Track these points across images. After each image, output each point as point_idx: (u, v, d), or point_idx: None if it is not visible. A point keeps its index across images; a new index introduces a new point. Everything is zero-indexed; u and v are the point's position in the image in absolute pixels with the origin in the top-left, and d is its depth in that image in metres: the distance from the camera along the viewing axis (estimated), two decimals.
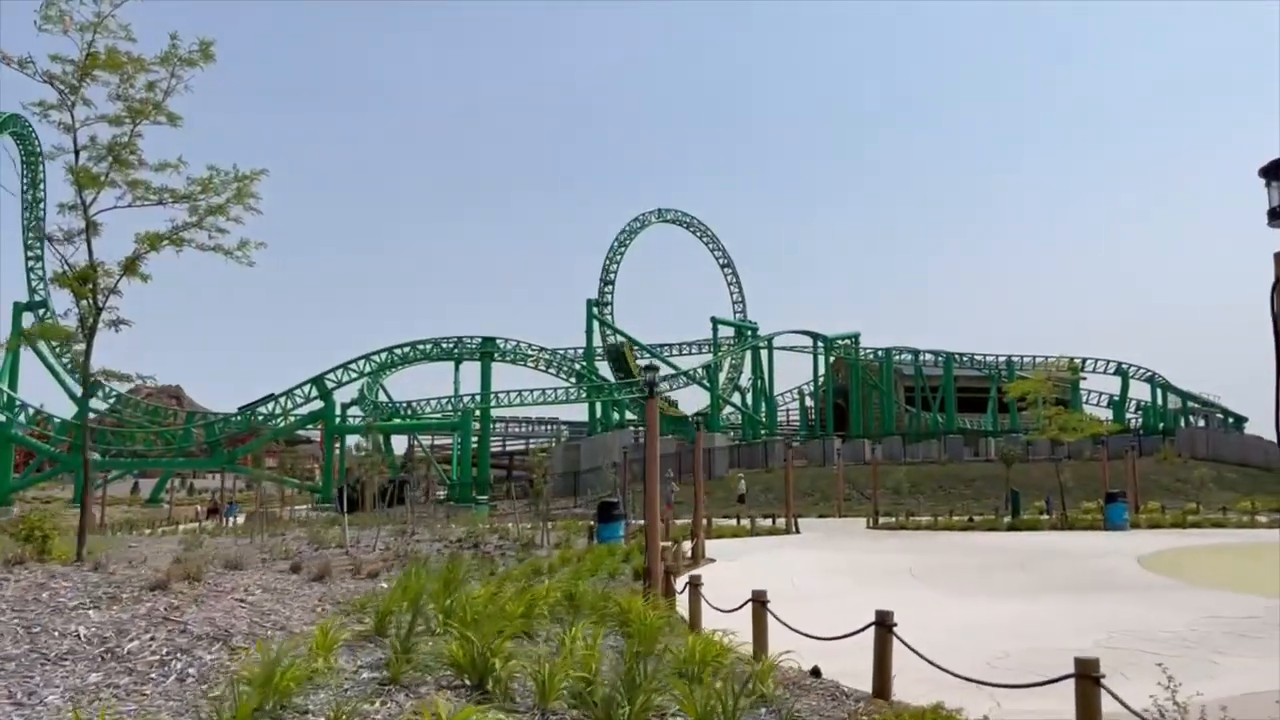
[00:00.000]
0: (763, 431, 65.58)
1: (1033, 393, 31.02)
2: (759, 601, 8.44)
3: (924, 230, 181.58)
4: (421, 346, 57.95)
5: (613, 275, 66.28)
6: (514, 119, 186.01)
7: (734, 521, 32.34)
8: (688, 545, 19.57)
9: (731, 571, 17.18)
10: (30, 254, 67.16)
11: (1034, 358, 56.40)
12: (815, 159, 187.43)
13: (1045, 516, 33.39)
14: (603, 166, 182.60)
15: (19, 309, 65.78)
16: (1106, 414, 68.92)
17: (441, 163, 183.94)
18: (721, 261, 73.25)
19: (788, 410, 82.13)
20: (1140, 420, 66.95)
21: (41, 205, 67.30)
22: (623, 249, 67.13)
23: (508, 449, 76.55)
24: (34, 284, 67.05)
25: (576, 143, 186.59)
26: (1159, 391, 65.21)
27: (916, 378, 69.64)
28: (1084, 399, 67.15)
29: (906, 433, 67.57)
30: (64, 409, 68.83)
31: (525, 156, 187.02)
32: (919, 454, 59.33)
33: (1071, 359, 66.72)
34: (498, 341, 58.24)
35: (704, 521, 19.93)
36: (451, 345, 58.08)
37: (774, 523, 31.23)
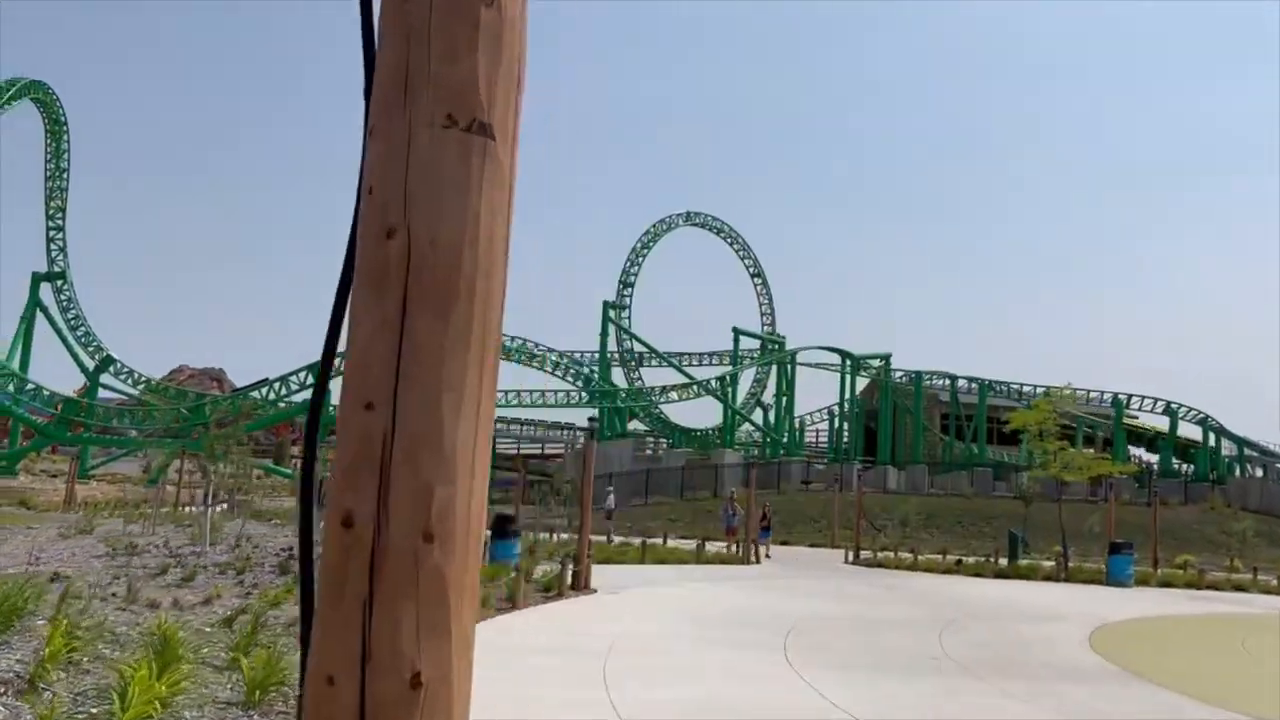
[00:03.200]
0: (781, 451, 62.28)
1: (1036, 424, 27.44)
2: None
3: (970, 256, 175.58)
4: None
5: (633, 278, 63.48)
6: (543, 113, 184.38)
7: (694, 544, 29.18)
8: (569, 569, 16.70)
9: (589, 609, 14.30)
10: (51, 224, 66.63)
11: (1075, 389, 52.28)
12: (859, 175, 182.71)
13: (1055, 562, 29.71)
14: (631, 166, 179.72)
15: (37, 279, 65.29)
16: (1153, 457, 64.32)
17: None
18: (751, 270, 70.01)
19: (817, 431, 78.67)
20: (1187, 465, 62.18)
21: (65, 175, 66.88)
22: (646, 251, 64.30)
23: (522, 452, 74.34)
24: (53, 254, 66.55)
25: (606, 141, 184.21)
26: (1211, 435, 60.33)
27: (952, 405, 65.77)
28: (1127, 438, 62.64)
29: (939, 462, 63.82)
30: (75, 383, 68.39)
31: (550, 152, 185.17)
32: (947, 485, 55.77)
33: (1116, 394, 62.29)
34: (503, 339, 55.78)
35: (589, 544, 17.00)
36: None
37: (733, 549, 28.12)
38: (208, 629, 9.58)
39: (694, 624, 12.80)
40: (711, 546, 29.12)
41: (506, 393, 55.97)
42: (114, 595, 12.14)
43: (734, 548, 28.24)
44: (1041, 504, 40.78)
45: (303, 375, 53.62)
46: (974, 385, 64.54)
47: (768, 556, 29.10)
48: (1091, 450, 55.34)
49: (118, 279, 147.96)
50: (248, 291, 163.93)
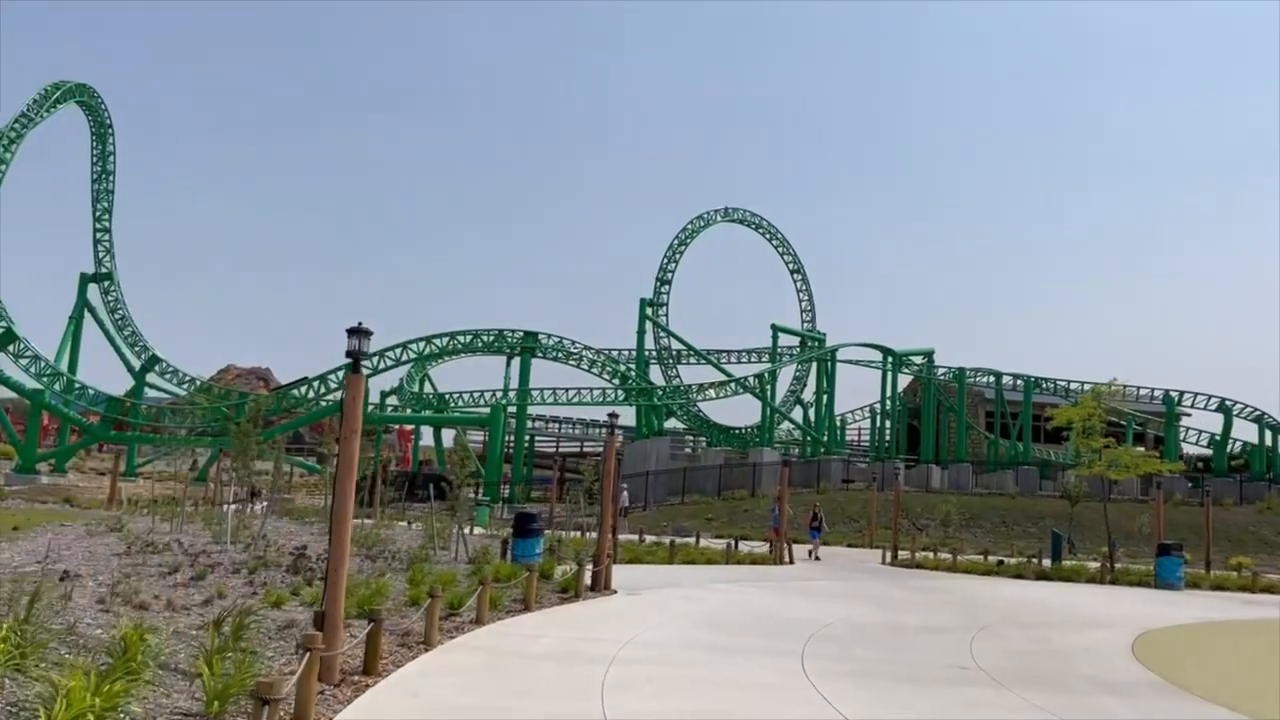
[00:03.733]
0: (821, 450, 61.33)
1: (1080, 420, 26.45)
2: None
3: (1017, 251, 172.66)
4: (460, 338, 55.70)
5: (670, 275, 62.85)
6: (575, 111, 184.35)
7: (725, 544, 28.49)
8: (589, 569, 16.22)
9: (604, 611, 13.82)
10: (98, 225, 67.58)
11: (1124, 386, 50.90)
12: (899, 169, 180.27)
13: (1101, 564, 28.57)
14: (667, 163, 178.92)
15: (84, 280, 66.23)
16: (1208, 454, 62.40)
17: (503, 152, 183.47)
18: (791, 266, 69.10)
19: (859, 429, 77.61)
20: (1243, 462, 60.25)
21: (110, 177, 67.81)
22: (683, 248, 63.63)
23: (561, 450, 74.04)
24: (100, 255, 67.47)
25: (641, 138, 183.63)
26: (1267, 432, 58.42)
27: (997, 402, 64.39)
28: (1180, 436, 60.83)
29: (984, 460, 62.59)
30: (125, 383, 69.19)
31: (587, 149, 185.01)
32: (991, 484, 54.68)
33: (1168, 391, 60.57)
34: (539, 336, 55.57)
35: (611, 542, 16.51)
36: (491, 338, 55.68)
37: (769, 551, 27.44)
38: (194, 631, 9.24)
39: (711, 629, 12.26)
40: (745, 546, 28.53)
41: (541, 390, 55.68)
42: (115, 595, 11.89)
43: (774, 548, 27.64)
44: (1089, 504, 39.59)
45: (341, 374, 53.71)
46: (1019, 382, 63.14)
47: (817, 558, 28.40)
48: (1141, 448, 53.83)
49: (168, 280, 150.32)
50: (293, 291, 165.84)
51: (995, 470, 57.75)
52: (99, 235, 67.50)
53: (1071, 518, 37.64)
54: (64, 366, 61.70)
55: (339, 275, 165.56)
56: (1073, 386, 60.24)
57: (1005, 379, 63.72)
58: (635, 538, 31.24)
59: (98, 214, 67.50)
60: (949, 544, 37.64)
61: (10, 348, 52.77)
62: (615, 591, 15.86)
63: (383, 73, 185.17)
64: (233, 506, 20.27)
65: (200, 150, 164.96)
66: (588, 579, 15.93)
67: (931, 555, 30.33)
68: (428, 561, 18.19)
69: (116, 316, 67.74)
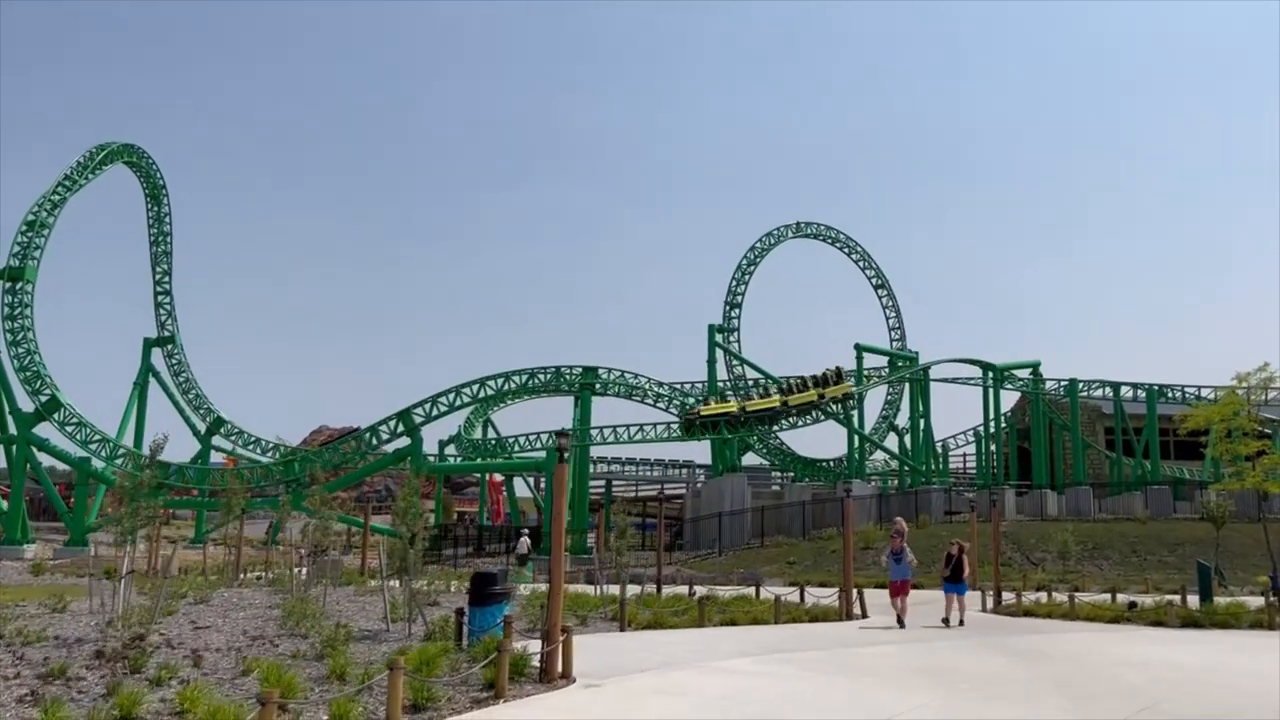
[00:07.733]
0: (921, 480, 55.51)
1: (1223, 421, 20.91)
2: None
3: (1128, 252, 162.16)
4: (516, 378, 52.06)
5: (740, 298, 58.24)
6: (643, 131, 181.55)
7: (789, 594, 23.47)
8: (534, 646, 11.77)
9: None
10: (159, 288, 66.65)
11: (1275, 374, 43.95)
12: (987, 168, 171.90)
13: (1265, 600, 22.33)
14: (737, 180, 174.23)
15: (148, 344, 65.15)
16: None
17: (560, 175, 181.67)
18: (875, 282, 63.76)
19: (964, 455, 71.29)
20: None
21: (168, 239, 66.87)
22: (752, 268, 59.01)
23: (640, 494, 69.77)
24: (162, 319, 66.46)
25: (704, 153, 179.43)
26: None
27: (1116, 416, 57.59)
28: None
29: (1106, 482, 55.84)
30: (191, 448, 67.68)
31: (645, 169, 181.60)
32: (1117, 508, 48.27)
33: None
34: (599, 372, 51.52)
35: (560, 611, 11.94)
36: (549, 377, 51.88)
37: (840, 600, 22.33)
38: None
39: None
40: (811, 597, 23.58)
41: (601, 429, 51.55)
42: None
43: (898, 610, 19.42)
44: (1235, 525, 33.43)
45: (393, 424, 50.57)
46: (1140, 392, 56.28)
47: (961, 624, 19.46)
48: None
49: (264, 344, 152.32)
50: (383, 351, 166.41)
51: (1120, 493, 51.17)
52: (159, 298, 66.50)
53: (1217, 543, 31.53)
54: (129, 433, 60.22)
55: (412, 331, 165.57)
56: (1205, 394, 53.15)
57: (1124, 390, 56.94)
58: (685, 590, 26.59)
59: (157, 277, 66.56)
60: (1069, 579, 31.87)
61: (55, 415, 51.15)
62: (572, 680, 11.32)
63: (468, 132, 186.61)
64: (126, 579, 16.39)
65: (293, 223, 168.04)
66: (536, 662, 11.51)
67: (1046, 597, 24.82)
68: (355, 640, 14.06)
69: (180, 380, 66.46)
